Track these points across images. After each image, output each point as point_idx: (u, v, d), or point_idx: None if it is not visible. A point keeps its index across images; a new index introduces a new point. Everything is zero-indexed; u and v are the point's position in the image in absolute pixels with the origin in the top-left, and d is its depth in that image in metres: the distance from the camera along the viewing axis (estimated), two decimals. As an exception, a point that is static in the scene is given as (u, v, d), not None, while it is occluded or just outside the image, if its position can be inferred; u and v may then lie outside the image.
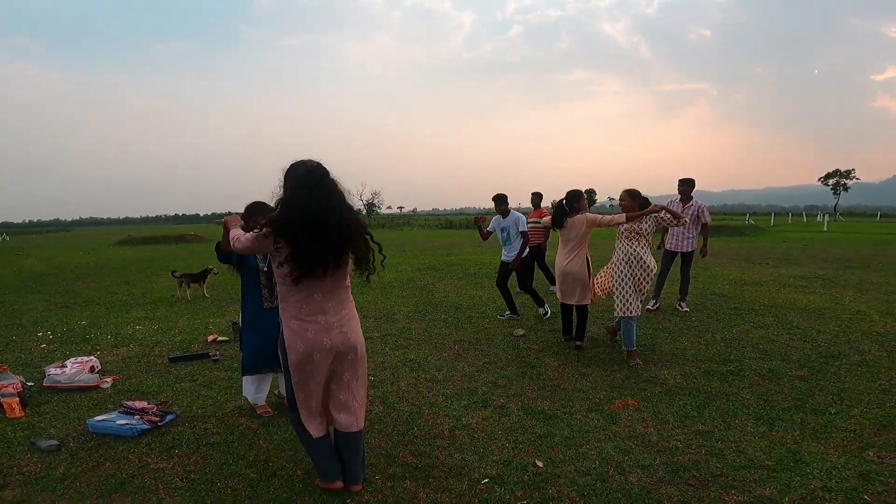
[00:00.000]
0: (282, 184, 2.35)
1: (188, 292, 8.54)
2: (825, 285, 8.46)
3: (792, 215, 46.87)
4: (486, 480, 2.60)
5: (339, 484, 2.50)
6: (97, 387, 4.10)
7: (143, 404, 3.43)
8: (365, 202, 52.19)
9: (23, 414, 3.50)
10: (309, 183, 2.27)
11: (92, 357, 4.68)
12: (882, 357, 4.54)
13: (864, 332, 5.39)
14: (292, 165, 2.35)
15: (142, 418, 3.26)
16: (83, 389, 4.05)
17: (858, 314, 6.22)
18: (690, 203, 6.68)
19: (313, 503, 2.46)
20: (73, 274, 13.16)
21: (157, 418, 3.30)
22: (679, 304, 6.83)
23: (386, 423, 3.33)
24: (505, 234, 6.29)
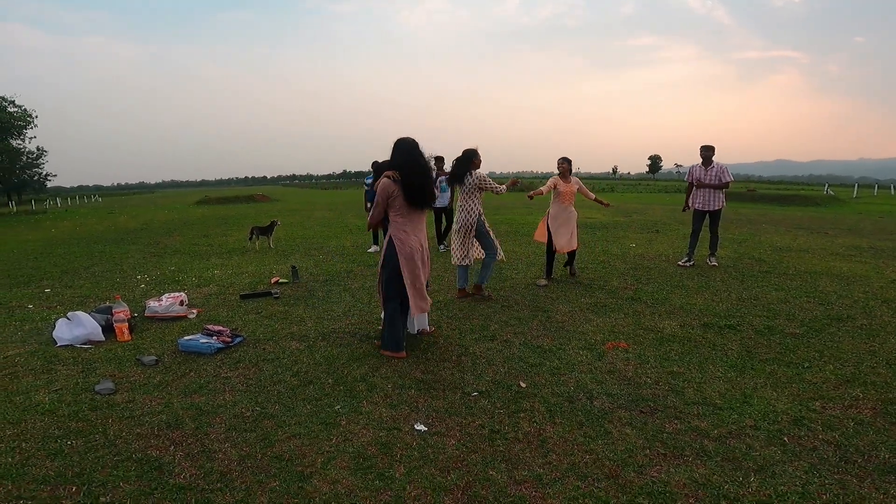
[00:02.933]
0: (392, 152, 3.82)
1: (257, 243, 9.62)
2: (875, 255, 8.25)
3: (878, 187, 42.74)
4: (475, 394, 3.23)
5: (404, 354, 3.82)
6: (185, 317, 5.08)
7: (220, 328, 4.31)
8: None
9: (131, 338, 4.47)
10: (413, 153, 3.80)
11: (182, 293, 5.68)
12: (891, 322, 4.64)
13: (885, 299, 5.44)
14: (398, 141, 3.84)
15: (218, 338, 4.13)
16: (175, 318, 5.04)
17: (893, 283, 6.18)
18: (712, 166, 7.09)
19: (336, 399, 3.20)
20: (160, 229, 14.86)
21: (229, 339, 4.16)
22: (709, 259, 7.19)
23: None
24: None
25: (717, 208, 7.10)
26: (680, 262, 7.38)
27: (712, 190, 7.07)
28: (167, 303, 5.22)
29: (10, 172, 40.68)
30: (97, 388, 3.40)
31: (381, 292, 3.99)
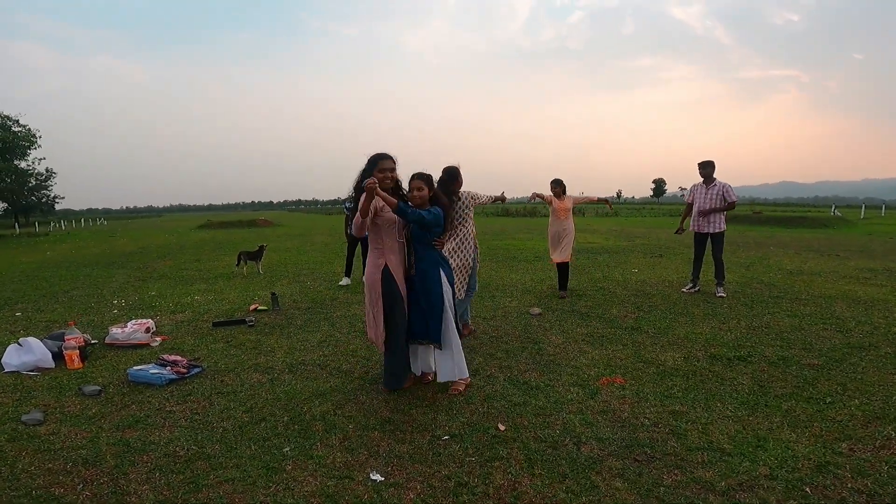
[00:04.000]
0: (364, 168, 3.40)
1: (245, 269, 9.30)
2: (891, 278, 7.81)
3: (886, 207, 42.17)
4: (446, 437, 2.82)
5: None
6: (148, 344, 4.73)
7: (176, 358, 3.95)
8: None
9: (81, 366, 4.13)
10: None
11: (149, 320, 5.33)
12: (918, 349, 4.24)
13: (910, 324, 5.02)
14: (373, 155, 3.41)
15: (172, 369, 3.77)
16: (136, 346, 4.68)
17: (915, 307, 5.75)
18: (714, 184, 6.65)
19: (287, 439, 2.81)
20: (155, 253, 14.62)
21: (184, 370, 3.80)
22: (716, 290, 6.70)
23: (378, 383, 3.62)
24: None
25: (717, 231, 6.64)
26: (684, 289, 6.97)
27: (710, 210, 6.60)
28: (130, 330, 4.87)
29: (18, 194, 41.02)
30: (24, 417, 3.15)
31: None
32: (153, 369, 3.74)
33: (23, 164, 36.67)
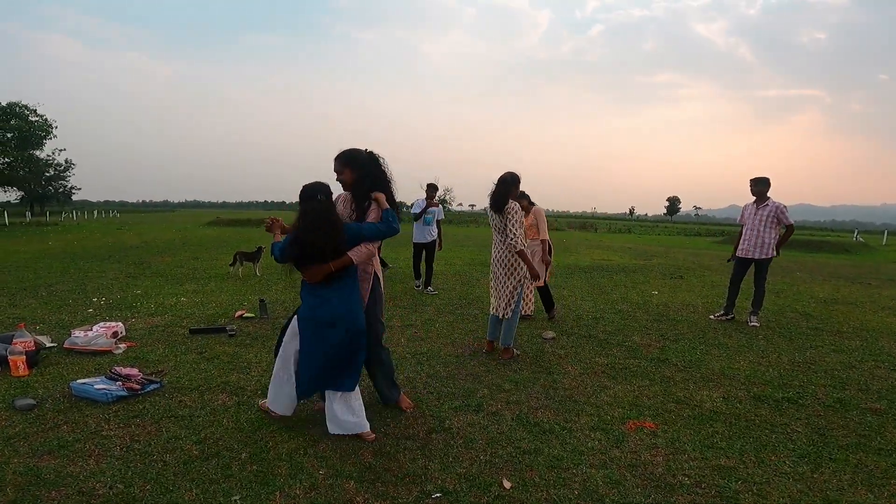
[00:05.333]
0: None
1: (240, 270, 8.81)
2: (937, 311, 7.11)
3: (908, 234, 41.01)
4: (437, 495, 2.25)
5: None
6: (110, 351, 4.20)
7: (130, 371, 3.42)
8: (438, 198, 52.83)
9: (27, 373, 3.61)
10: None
11: (119, 323, 4.84)
12: None
13: (980, 369, 4.36)
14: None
15: (123, 384, 3.23)
16: (97, 353, 4.16)
17: (977, 347, 5.08)
18: (766, 203, 5.92)
19: (238, 484, 2.26)
20: (156, 248, 14.21)
21: (138, 386, 3.26)
22: (749, 318, 6.04)
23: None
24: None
25: (765, 256, 5.94)
26: (714, 315, 6.32)
27: (760, 233, 5.90)
28: (94, 334, 4.36)
29: (34, 183, 41.14)
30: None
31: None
32: (100, 384, 3.21)
33: (42, 155, 36.81)
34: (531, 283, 4.65)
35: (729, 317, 6.21)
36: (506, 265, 4.26)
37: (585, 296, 7.63)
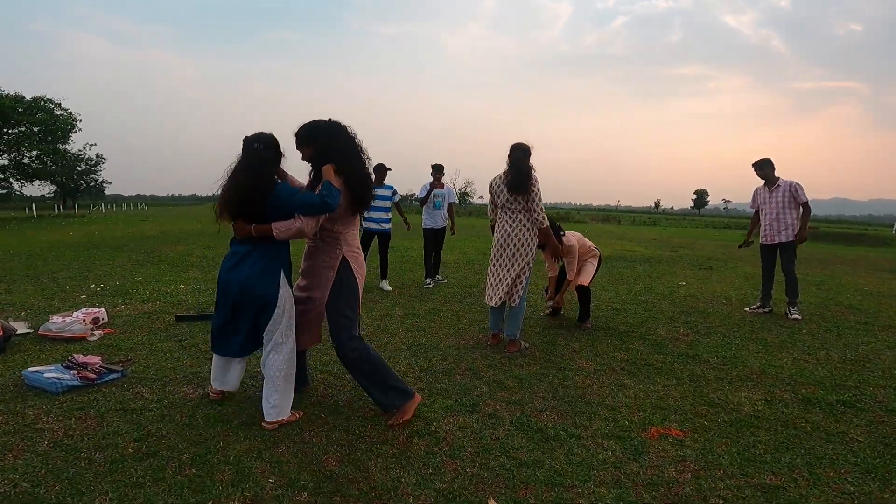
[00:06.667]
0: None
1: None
2: None
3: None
4: (405, 517, 1.83)
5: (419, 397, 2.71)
6: (84, 338, 3.90)
7: (88, 359, 3.09)
8: (458, 191, 52.25)
9: (-10, 358, 3.33)
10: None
11: (101, 309, 4.55)
12: None
13: None
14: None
15: (78, 374, 2.90)
16: (70, 340, 3.87)
17: None
18: (778, 184, 5.46)
19: (167, 491, 1.89)
20: (172, 238, 14.14)
21: (94, 375, 2.93)
22: (788, 310, 5.44)
23: (338, 415, 2.65)
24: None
25: (787, 240, 5.40)
26: (750, 308, 5.74)
27: (778, 215, 5.41)
28: (71, 320, 4.07)
29: (65, 176, 42.19)
30: None
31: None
32: (52, 372, 2.89)
33: (73, 149, 37.60)
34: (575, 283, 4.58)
35: (766, 309, 5.63)
36: (515, 246, 3.80)
37: (606, 285, 7.09)
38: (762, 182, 5.58)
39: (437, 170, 6.79)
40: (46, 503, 1.81)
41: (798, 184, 5.40)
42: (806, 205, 5.40)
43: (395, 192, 6.58)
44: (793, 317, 5.35)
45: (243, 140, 2.48)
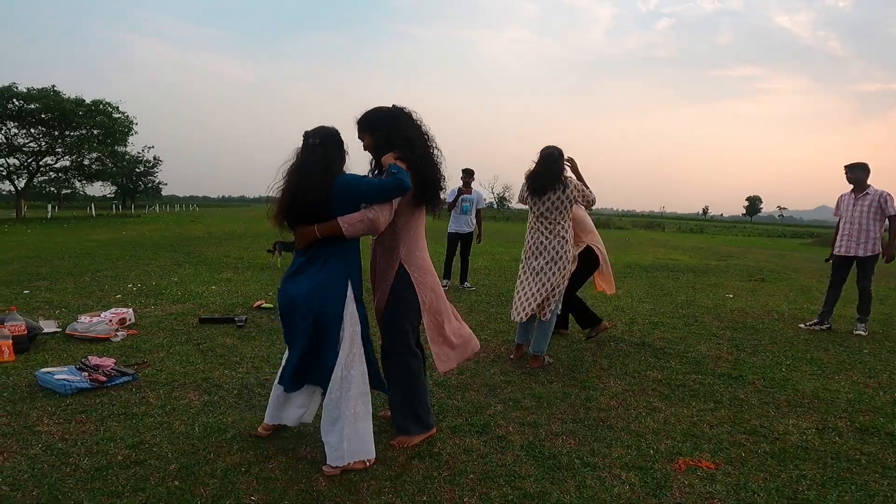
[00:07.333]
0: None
1: (279, 260, 8.63)
2: None
3: None
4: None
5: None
6: (108, 339, 3.95)
7: (101, 362, 3.09)
8: (496, 195, 51.89)
9: (13, 358, 3.38)
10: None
11: (128, 309, 4.62)
12: None
13: None
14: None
15: (89, 376, 2.90)
16: (95, 340, 3.93)
17: None
18: (866, 192, 4.96)
19: (139, 503, 1.79)
20: (215, 239, 14.59)
21: (104, 378, 2.92)
22: (856, 326, 5.02)
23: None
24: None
25: (868, 254, 4.93)
26: (806, 324, 5.29)
27: (862, 226, 4.93)
28: (98, 320, 4.14)
29: (125, 177, 44.49)
30: None
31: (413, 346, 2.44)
32: (63, 374, 2.89)
33: (132, 151, 39.57)
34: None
35: (824, 326, 5.16)
36: (550, 255, 3.59)
37: (644, 297, 6.73)
38: (849, 188, 5.10)
39: (467, 174, 6.67)
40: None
41: (889, 194, 4.90)
42: (894, 218, 4.88)
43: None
44: (857, 332, 4.91)
45: (303, 136, 2.20)
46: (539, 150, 3.70)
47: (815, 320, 5.26)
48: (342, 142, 2.22)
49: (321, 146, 2.15)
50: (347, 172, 2.22)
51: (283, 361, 2.31)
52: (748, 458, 2.38)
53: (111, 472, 2.03)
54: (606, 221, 37.40)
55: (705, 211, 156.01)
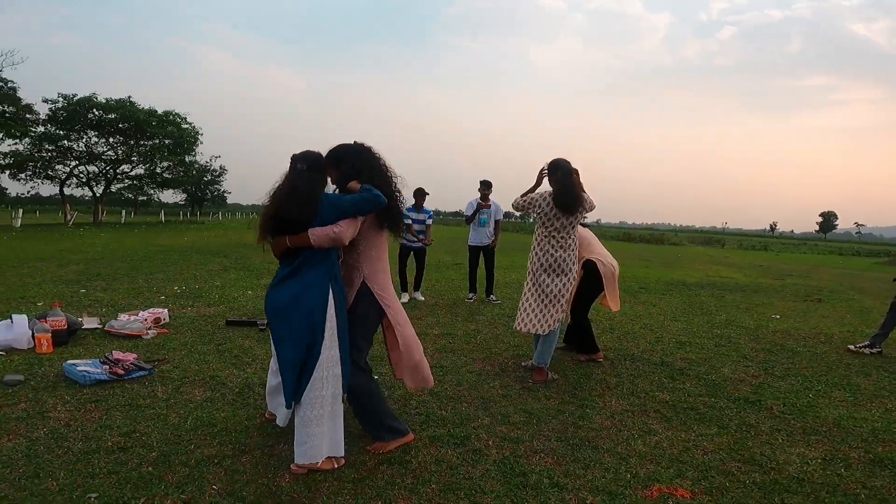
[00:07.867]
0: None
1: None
2: None
3: None
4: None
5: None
6: (140, 336, 4.26)
7: (121, 357, 3.34)
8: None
9: (52, 350, 3.72)
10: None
11: (164, 310, 4.95)
12: None
13: None
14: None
15: (109, 369, 3.15)
16: (128, 337, 4.24)
17: None
18: None
19: (104, 486, 1.95)
20: (266, 246, 15.27)
21: (122, 372, 3.16)
22: None
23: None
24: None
25: None
26: (856, 346, 4.91)
27: None
28: (135, 318, 4.47)
29: (194, 185, 47.34)
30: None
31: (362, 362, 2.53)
32: (86, 366, 3.17)
33: (201, 160, 42.14)
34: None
35: (875, 350, 4.77)
36: (560, 267, 3.61)
37: (678, 315, 6.45)
38: None
39: (486, 186, 6.66)
40: (7, 481, 1.97)
41: None
42: None
43: (430, 217, 6.81)
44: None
45: (291, 158, 2.35)
46: (554, 163, 3.68)
47: (867, 342, 4.87)
48: (324, 166, 2.41)
49: (308, 171, 2.33)
50: (328, 192, 2.40)
51: (271, 371, 2.48)
52: (731, 489, 2.25)
53: (97, 456, 2.21)
54: (660, 237, 35.97)
55: (773, 227, 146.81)
